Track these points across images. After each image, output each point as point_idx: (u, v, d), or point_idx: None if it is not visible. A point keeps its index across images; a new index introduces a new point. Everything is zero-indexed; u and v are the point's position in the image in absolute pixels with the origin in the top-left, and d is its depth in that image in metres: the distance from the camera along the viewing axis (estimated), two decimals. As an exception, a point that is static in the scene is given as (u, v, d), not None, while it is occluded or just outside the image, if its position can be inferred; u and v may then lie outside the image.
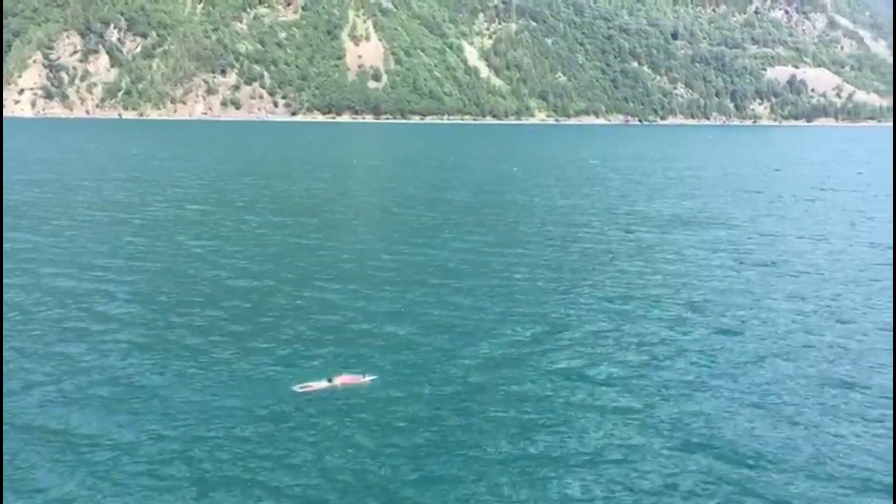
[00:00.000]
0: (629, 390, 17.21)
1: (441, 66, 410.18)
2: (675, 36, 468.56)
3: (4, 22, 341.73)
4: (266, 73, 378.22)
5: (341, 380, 17.14)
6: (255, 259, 31.31)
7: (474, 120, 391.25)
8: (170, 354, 19.25)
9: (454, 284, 27.16)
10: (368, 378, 17.34)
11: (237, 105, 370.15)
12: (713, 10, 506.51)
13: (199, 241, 35.24)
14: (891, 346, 20.27)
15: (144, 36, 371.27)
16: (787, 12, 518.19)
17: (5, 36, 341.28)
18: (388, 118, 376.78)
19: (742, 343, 20.72)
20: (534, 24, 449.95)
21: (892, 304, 24.98)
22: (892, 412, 15.84)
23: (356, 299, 24.80)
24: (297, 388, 16.80)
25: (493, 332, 21.43)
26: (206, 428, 14.91)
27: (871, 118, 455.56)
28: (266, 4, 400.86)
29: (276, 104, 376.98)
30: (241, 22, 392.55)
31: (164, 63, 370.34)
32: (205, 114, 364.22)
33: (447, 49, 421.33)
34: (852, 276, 29.75)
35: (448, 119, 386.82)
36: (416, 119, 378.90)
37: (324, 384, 16.95)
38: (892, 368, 18.54)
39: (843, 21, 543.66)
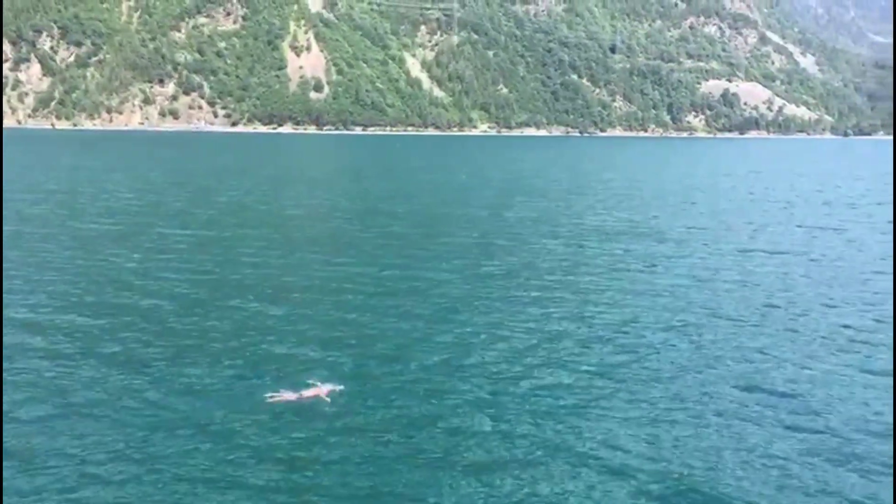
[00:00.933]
0: (587, 394, 17.78)
1: (383, 77, 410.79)
2: (613, 50, 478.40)
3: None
4: (205, 83, 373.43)
5: (311, 391, 17.10)
6: (193, 272, 30.96)
7: (417, 131, 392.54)
8: (125, 368, 18.97)
9: (405, 295, 27.42)
10: (337, 388, 17.33)
11: (175, 115, 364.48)
12: (650, 25, 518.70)
13: (132, 255, 34.65)
14: (823, 355, 21.26)
15: (79, 45, 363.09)
16: (720, 28, 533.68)
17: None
18: (330, 129, 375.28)
19: (675, 353, 21.41)
20: (475, 36, 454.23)
21: (822, 311, 26.15)
22: (806, 418, 16.67)
23: (302, 312, 24.82)
24: (266, 398, 16.81)
25: (446, 342, 21.71)
26: (171, 441, 14.83)
27: (801, 131, 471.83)
28: (205, 14, 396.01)
29: (215, 114, 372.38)
30: (179, 31, 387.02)
31: (100, 72, 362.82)
32: (142, 124, 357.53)
33: (389, 61, 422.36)
34: (784, 286, 30.92)
35: (391, 130, 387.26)
36: (358, 130, 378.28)
37: (293, 395, 16.91)
38: (818, 375, 19.52)
39: (774, 37, 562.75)
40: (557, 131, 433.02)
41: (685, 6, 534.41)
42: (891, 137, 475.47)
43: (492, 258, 35.56)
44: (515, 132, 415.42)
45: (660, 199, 68.82)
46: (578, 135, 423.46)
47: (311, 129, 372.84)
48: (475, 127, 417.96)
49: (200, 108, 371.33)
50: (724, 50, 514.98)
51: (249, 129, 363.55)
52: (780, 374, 19.42)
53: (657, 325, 24.06)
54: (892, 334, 23.12)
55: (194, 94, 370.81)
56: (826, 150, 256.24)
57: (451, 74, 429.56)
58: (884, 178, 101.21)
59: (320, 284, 29.20)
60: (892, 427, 16.07)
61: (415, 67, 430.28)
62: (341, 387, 17.32)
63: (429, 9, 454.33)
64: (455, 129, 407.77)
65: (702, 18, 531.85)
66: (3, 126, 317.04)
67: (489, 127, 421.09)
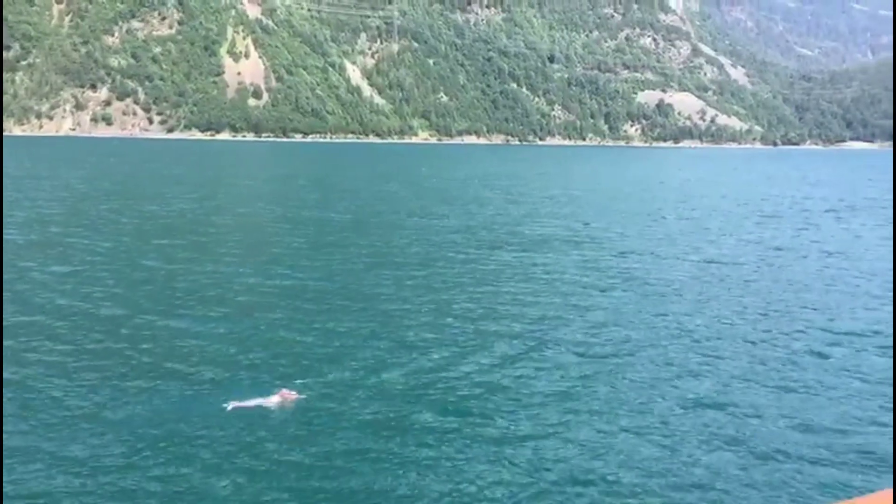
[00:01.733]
0: (531, 399, 18.27)
1: (323, 84, 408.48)
2: (551, 59, 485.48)
3: None
4: (140, 89, 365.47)
5: (274, 397, 17.13)
6: (125, 283, 30.47)
7: (357, 139, 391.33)
8: (78, 380, 18.60)
9: (349, 301, 27.53)
10: (293, 394, 17.38)
11: (109, 121, 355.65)
12: (587, 36, 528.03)
13: (59, 266, 33.90)
14: (745, 366, 22.14)
15: (7, 48, 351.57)
16: (654, 40, 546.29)
17: None
18: (269, 136, 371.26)
19: (605, 361, 22.05)
20: (416, 44, 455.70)
21: (743, 320, 27.18)
22: (734, 430, 17.42)
23: (241, 322, 24.72)
24: (228, 407, 16.71)
25: (388, 347, 21.95)
26: (127, 453, 14.66)
27: (733, 140, 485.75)
28: (140, 18, 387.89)
29: (150, 121, 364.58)
30: (112, 35, 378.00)
31: (29, 77, 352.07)
32: (73, 130, 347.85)
33: (329, 68, 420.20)
34: (711, 294, 31.98)
35: (331, 138, 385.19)
36: (298, 137, 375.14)
37: (256, 401, 16.88)
38: (741, 385, 20.35)
39: (706, 49, 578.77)
40: (497, 139, 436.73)
41: (621, 18, 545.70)
42: (818, 147, 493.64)
43: (429, 266, 35.92)
44: (456, 140, 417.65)
45: (596, 206, 70.28)
46: (518, 143, 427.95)
47: (250, 137, 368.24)
48: (416, 135, 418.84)
49: (135, 114, 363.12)
50: (658, 61, 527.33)
51: (186, 135, 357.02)
52: (716, 380, 20.26)
53: (595, 329, 24.76)
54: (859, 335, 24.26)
55: (128, 100, 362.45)
56: (754, 158, 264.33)
57: (392, 82, 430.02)
58: (801, 187, 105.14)
59: (252, 293, 29.14)
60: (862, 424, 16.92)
61: (355, 75, 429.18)
62: (295, 393, 17.36)
63: (369, 16, 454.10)
64: (396, 136, 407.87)
65: (637, 30, 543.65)
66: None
67: (430, 135, 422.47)
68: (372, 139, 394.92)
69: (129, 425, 15.91)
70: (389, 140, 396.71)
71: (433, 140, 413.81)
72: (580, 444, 15.55)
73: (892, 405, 17.82)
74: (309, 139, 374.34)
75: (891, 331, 24.29)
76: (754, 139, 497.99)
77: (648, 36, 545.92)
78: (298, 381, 18.42)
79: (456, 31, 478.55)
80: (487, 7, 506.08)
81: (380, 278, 32.15)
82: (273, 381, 18.39)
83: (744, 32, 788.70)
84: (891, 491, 4.13)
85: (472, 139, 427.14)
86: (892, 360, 21.40)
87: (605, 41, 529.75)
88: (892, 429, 16.49)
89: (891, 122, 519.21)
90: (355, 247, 41.53)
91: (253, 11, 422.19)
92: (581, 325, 25.19)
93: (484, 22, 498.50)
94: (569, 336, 23.64)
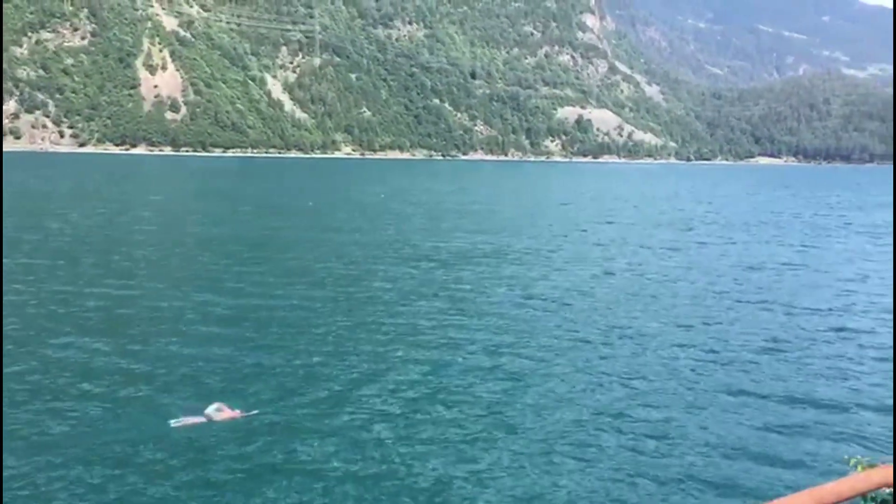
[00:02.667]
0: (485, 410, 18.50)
1: (244, 98, 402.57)
2: (473, 75, 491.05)
3: None
4: (50, 102, 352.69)
5: (219, 415, 17.10)
6: (32, 305, 29.42)
7: (279, 153, 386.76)
8: (11, 401, 18.10)
9: (273, 318, 27.22)
10: (245, 413, 17.45)
11: (17, 135, 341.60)
12: (507, 53, 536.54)
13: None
14: (642, 378, 22.87)
15: None
16: (573, 57, 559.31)
17: None
18: (187, 151, 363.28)
19: (520, 374, 22.47)
20: (338, 59, 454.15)
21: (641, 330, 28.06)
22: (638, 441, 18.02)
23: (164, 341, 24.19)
24: (172, 424, 16.70)
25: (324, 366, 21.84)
26: (76, 468, 14.51)
27: (649, 155, 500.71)
28: (50, 29, 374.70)
29: (61, 134, 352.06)
30: (20, 46, 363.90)
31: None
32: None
33: (250, 81, 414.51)
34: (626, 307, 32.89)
35: (252, 152, 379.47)
36: (217, 152, 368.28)
37: (200, 419, 16.85)
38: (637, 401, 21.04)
39: (622, 67, 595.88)
40: (420, 154, 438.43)
41: (540, 35, 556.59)
42: (730, 162, 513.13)
43: (351, 282, 35.92)
44: (379, 155, 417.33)
45: (515, 221, 71.40)
46: (441, 158, 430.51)
47: (168, 151, 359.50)
48: (338, 149, 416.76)
49: (45, 127, 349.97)
50: (577, 78, 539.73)
51: (100, 149, 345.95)
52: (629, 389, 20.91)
53: (509, 338, 25.23)
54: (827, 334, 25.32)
55: (38, 113, 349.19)
56: (668, 173, 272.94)
57: (314, 96, 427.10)
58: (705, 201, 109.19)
59: (168, 313, 28.60)
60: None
61: (276, 89, 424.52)
62: (238, 411, 17.44)
63: (290, 30, 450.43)
64: (318, 151, 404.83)
65: (556, 48, 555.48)
66: None
67: (353, 149, 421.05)
68: (294, 154, 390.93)
69: (69, 444, 15.71)
70: (312, 155, 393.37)
71: (356, 155, 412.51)
72: (512, 455, 15.98)
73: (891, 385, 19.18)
74: (229, 153, 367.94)
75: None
76: (669, 154, 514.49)
77: (567, 54, 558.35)
78: (231, 398, 18.42)
79: (378, 46, 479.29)
80: (409, 23, 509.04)
81: (301, 296, 31.97)
82: (218, 398, 18.32)
83: (658, 51, 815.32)
84: (890, 466, 4.19)
85: (396, 154, 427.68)
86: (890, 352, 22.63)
87: (526, 58, 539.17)
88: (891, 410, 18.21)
89: (795, 138, 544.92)
90: (275, 263, 41.13)
91: (170, 23, 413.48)
92: (495, 338, 25.64)
93: (406, 37, 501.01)
94: (485, 351, 24.03)
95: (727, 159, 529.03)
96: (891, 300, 33.58)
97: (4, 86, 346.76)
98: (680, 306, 31.76)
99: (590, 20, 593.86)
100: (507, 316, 28.97)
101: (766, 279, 39.41)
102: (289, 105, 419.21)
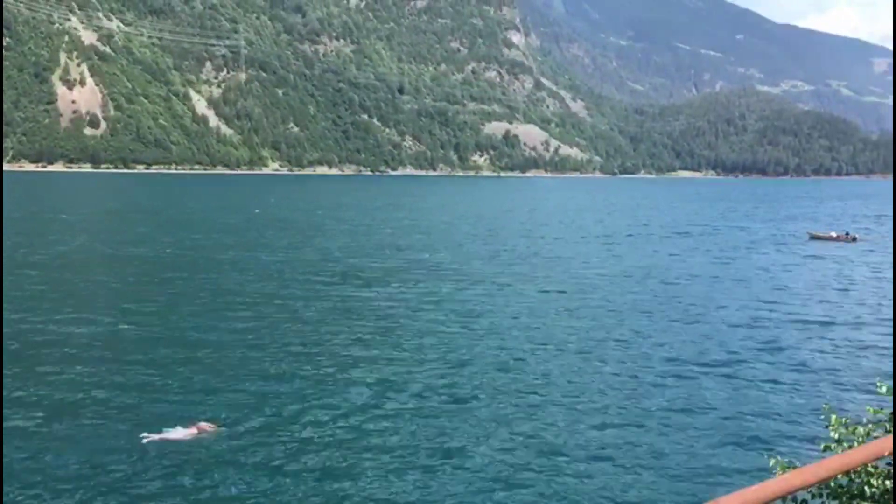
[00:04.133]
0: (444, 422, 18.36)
1: (167, 114, 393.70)
2: (401, 91, 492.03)
3: None
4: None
5: (188, 430, 17.30)
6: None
7: (205, 170, 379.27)
8: None
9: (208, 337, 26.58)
10: (215, 427, 17.67)
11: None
12: (435, 69, 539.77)
13: None
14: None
15: None
16: (499, 73, 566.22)
17: None
18: (108, 167, 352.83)
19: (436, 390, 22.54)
20: (264, 74, 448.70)
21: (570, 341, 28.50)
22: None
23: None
24: (142, 439, 16.82)
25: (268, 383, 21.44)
26: (46, 486, 14.46)
27: (575, 169, 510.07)
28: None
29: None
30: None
31: None
32: None
33: (173, 96, 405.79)
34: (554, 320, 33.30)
35: (176, 169, 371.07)
36: (140, 168, 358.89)
37: (171, 434, 17.05)
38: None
39: (547, 83, 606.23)
40: (349, 170, 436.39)
41: (467, 52, 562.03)
42: (653, 176, 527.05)
43: (281, 301, 35.49)
44: (308, 171, 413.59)
45: (443, 236, 71.72)
46: (370, 173, 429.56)
47: (87, 168, 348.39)
48: (266, 166, 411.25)
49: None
50: (503, 94, 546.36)
51: (14, 167, 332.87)
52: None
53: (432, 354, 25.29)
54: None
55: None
56: (595, 187, 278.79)
57: (240, 112, 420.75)
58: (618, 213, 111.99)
59: (84, 338, 27.74)
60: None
61: (201, 104, 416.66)
62: (213, 426, 17.70)
63: (214, 45, 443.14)
64: (245, 167, 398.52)
65: (483, 64, 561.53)
66: None
67: (280, 165, 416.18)
68: (220, 170, 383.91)
69: (37, 464, 15.72)
70: (239, 171, 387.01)
71: (284, 171, 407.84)
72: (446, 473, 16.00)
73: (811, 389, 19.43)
74: (153, 170, 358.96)
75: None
76: (595, 169, 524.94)
77: (494, 70, 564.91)
78: (195, 414, 18.55)
79: (305, 61, 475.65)
80: (336, 38, 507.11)
81: (230, 316, 31.45)
82: (187, 412, 18.58)
83: (582, 68, 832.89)
84: (890, 437, 4.15)
85: (324, 170, 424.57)
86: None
87: (453, 74, 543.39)
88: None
89: (713, 152, 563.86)
90: (198, 283, 40.35)
91: (88, 37, 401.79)
92: (422, 357, 25.71)
93: (333, 53, 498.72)
94: (416, 372, 24.06)
95: (650, 173, 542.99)
96: (791, 309, 35.05)
97: None
98: (606, 319, 32.42)
99: (515, 37, 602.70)
100: (434, 334, 29.07)
101: (693, 291, 40.61)
102: (214, 121, 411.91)
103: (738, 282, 43.85)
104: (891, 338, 29.25)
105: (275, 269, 45.29)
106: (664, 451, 17.24)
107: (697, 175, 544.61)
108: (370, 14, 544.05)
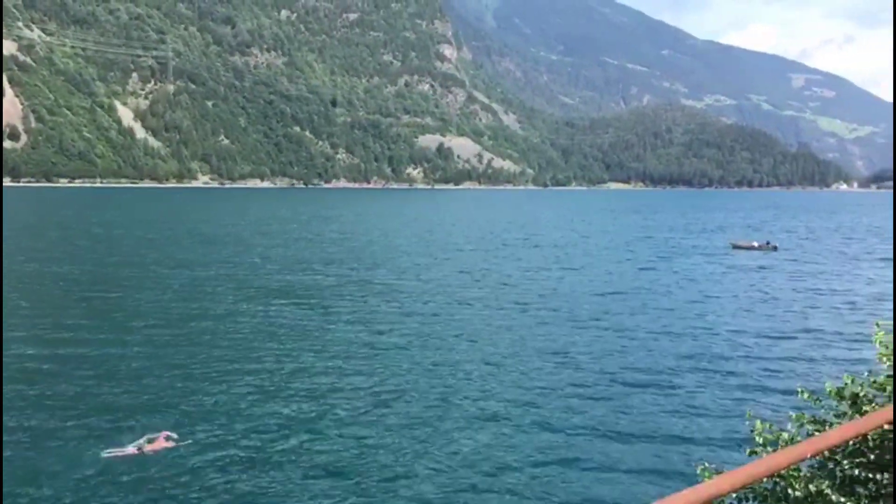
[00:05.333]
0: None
1: (91, 126, 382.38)
2: (334, 103, 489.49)
3: None
4: None
5: (150, 445, 17.30)
6: None
7: (132, 183, 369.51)
8: None
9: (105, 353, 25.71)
10: (175, 443, 17.72)
11: None
12: (368, 81, 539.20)
13: None
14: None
15: None
16: (432, 86, 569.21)
17: None
18: (29, 181, 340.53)
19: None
20: (192, 86, 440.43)
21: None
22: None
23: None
24: (105, 454, 16.78)
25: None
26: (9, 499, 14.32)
27: (508, 182, 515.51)
28: None
29: None
30: None
31: None
32: None
33: (97, 108, 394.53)
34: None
35: (102, 182, 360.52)
36: (64, 182, 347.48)
37: (132, 449, 17.02)
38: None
39: (480, 96, 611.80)
40: (282, 183, 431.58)
41: (400, 65, 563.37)
42: (584, 188, 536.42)
43: (204, 320, 34.81)
44: (239, 184, 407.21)
45: (373, 249, 71.49)
46: (304, 186, 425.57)
47: (7, 182, 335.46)
48: (195, 179, 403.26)
49: None
50: (436, 107, 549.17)
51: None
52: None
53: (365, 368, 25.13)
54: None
55: None
56: (524, 199, 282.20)
57: (168, 124, 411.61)
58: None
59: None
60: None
61: (127, 116, 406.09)
62: (173, 439, 17.81)
63: (140, 56, 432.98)
64: (174, 181, 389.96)
65: (416, 77, 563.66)
66: None
67: (211, 178, 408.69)
68: (148, 184, 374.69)
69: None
70: (167, 185, 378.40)
71: (215, 184, 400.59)
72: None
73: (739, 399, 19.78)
74: (76, 184, 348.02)
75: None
76: (527, 181, 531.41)
77: (427, 83, 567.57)
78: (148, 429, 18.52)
79: (235, 73, 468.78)
80: (267, 51, 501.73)
81: (140, 339, 30.67)
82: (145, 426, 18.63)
83: (513, 81, 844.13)
84: (891, 407, 4.19)
85: (256, 183, 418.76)
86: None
87: (386, 87, 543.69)
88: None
89: (642, 164, 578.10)
90: (114, 302, 39.24)
91: (8, 48, 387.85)
92: (351, 370, 25.55)
93: (264, 65, 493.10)
94: (344, 388, 23.86)
95: (581, 185, 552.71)
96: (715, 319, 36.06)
97: None
98: (535, 331, 32.74)
99: (448, 51, 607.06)
100: (364, 350, 28.90)
101: (618, 301, 41.37)
102: (141, 133, 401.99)
103: (662, 294, 44.79)
104: (800, 343, 30.41)
105: (199, 286, 44.37)
106: (593, 461, 17.49)
107: (627, 187, 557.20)
108: (302, 26, 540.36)
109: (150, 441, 17.55)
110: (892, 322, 5.70)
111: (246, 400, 21.89)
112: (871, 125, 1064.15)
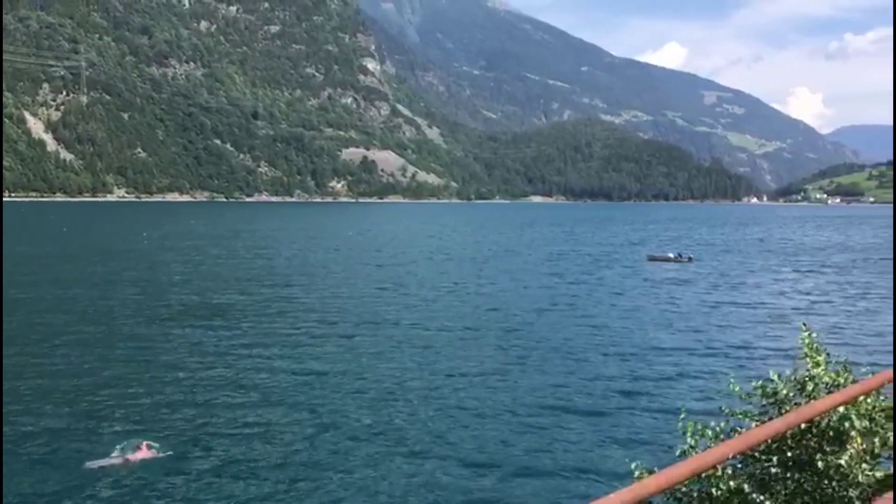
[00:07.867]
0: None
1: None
2: (255, 116, 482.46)
3: None
4: None
5: (134, 455, 17.23)
6: None
7: (42, 196, 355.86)
8: None
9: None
10: (158, 452, 17.63)
11: None
12: (290, 94, 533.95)
13: None
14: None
15: None
16: (356, 99, 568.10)
17: None
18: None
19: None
20: (107, 97, 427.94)
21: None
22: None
23: None
24: (88, 465, 16.71)
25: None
26: None
27: (433, 195, 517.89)
28: None
29: None
30: None
31: None
32: None
33: (6, 119, 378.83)
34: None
35: (10, 196, 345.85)
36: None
37: (116, 459, 16.95)
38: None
39: (404, 110, 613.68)
40: (202, 196, 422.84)
41: (323, 78, 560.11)
42: (507, 201, 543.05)
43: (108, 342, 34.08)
44: (157, 197, 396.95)
45: (290, 265, 70.98)
46: (225, 200, 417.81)
47: None
48: (110, 192, 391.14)
49: None
50: (360, 120, 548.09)
51: None
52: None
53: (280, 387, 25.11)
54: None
55: None
56: (447, 212, 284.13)
57: (81, 136, 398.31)
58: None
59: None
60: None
61: (37, 128, 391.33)
62: (155, 448, 17.70)
63: (52, 66, 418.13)
64: (87, 194, 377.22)
65: (339, 90, 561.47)
66: None
67: (127, 192, 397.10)
68: (59, 197, 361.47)
69: None
70: (80, 198, 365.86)
71: (131, 198, 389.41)
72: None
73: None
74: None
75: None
76: (451, 194, 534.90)
77: (350, 96, 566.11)
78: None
79: (153, 84, 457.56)
80: (186, 62, 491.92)
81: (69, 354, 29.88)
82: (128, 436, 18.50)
83: (437, 96, 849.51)
84: (891, 371, 4.31)
85: (175, 196, 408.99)
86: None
87: (309, 100, 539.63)
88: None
89: (563, 178, 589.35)
90: (18, 323, 38.04)
91: None
92: (267, 387, 25.52)
93: (183, 77, 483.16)
94: (261, 403, 23.83)
95: (505, 198, 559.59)
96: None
97: None
98: (453, 347, 33.21)
99: (371, 64, 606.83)
100: (277, 368, 28.85)
101: (534, 314, 42.24)
102: (52, 145, 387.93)
103: (579, 305, 45.83)
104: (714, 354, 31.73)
105: (86, 305, 43.28)
106: (529, 467, 17.92)
107: (549, 200, 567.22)
108: (221, 38, 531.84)
109: (131, 450, 17.54)
110: (807, 331, 6.26)
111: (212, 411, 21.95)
112: (779, 140, 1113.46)
